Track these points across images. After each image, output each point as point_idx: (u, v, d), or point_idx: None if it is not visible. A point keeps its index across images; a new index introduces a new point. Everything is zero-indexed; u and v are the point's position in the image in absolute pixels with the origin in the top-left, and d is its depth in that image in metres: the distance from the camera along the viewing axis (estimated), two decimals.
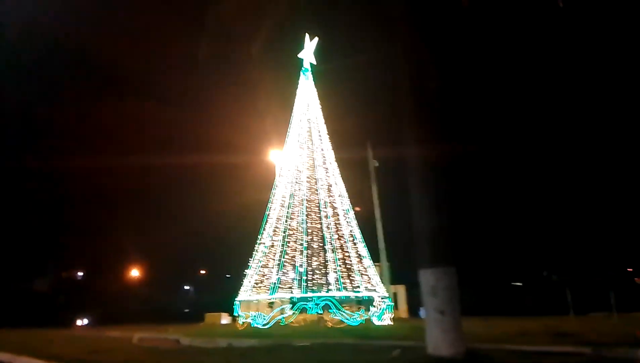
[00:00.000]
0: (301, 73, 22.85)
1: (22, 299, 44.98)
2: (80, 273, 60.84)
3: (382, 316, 19.32)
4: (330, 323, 18.04)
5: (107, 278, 54.22)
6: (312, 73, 22.90)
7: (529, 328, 14.76)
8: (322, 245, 20.30)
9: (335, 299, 19.00)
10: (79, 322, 38.62)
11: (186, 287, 65.64)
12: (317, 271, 19.85)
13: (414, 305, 32.03)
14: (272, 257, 20.37)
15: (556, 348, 9.34)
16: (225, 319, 27.64)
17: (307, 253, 19.91)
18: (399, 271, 30.91)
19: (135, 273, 57.32)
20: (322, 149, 21.65)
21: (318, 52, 22.74)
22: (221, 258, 52.35)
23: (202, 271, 65.02)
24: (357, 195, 23.25)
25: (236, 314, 19.99)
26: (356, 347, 10.64)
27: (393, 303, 21.21)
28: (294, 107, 22.47)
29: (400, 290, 30.51)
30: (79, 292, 51.65)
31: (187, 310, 52.77)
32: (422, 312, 24.86)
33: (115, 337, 16.97)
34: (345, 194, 21.21)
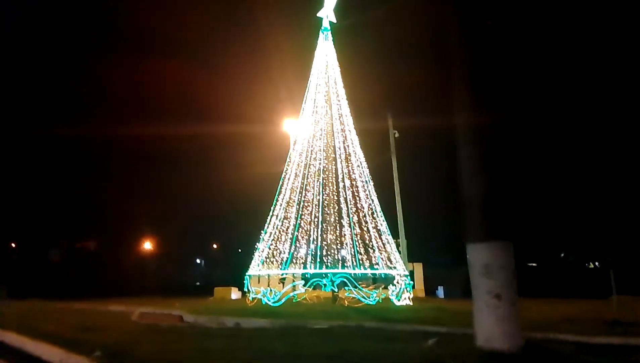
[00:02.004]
0: (320, 33, 21.10)
1: (36, 269, 44.85)
2: (93, 245, 60.78)
3: (401, 296, 18.01)
4: (346, 302, 16.76)
5: (120, 250, 53.95)
6: (331, 33, 21.14)
7: (568, 313, 13.32)
8: (338, 218, 18.92)
9: (352, 276, 17.70)
10: None
11: (198, 260, 65.27)
12: (333, 246, 18.51)
13: (429, 283, 30.85)
14: (285, 231, 19.06)
15: (618, 340, 7.89)
16: (235, 294, 26.57)
17: (323, 227, 18.56)
18: (416, 249, 29.70)
19: (147, 245, 56.98)
20: (340, 115, 20.06)
21: (338, 9, 20.94)
22: (234, 232, 51.45)
23: (215, 245, 64.57)
24: (376, 168, 21.68)
25: (246, 290, 18.81)
26: (381, 332, 9.28)
27: (413, 282, 19.85)
28: (312, 70, 20.80)
29: (417, 267, 29.19)
30: (90, 263, 51.48)
31: (198, 284, 52.39)
32: (440, 291, 23.51)
33: (116, 312, 15.92)
34: (365, 164, 19.67)
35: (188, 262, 62.29)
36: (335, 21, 21.21)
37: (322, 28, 21.17)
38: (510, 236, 6.26)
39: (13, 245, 55.20)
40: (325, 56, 20.85)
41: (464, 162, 6.56)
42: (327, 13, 21.03)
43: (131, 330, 9.93)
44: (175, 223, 53.23)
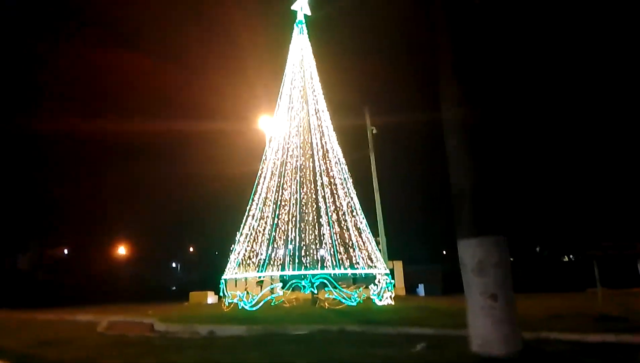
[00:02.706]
0: (295, 27, 20.44)
1: (3, 276, 43.00)
2: (65, 251, 58.87)
3: (383, 295, 17.54)
4: (326, 304, 16.18)
5: (93, 255, 52.33)
6: (306, 26, 20.49)
7: (552, 308, 13.02)
8: (317, 217, 18.31)
9: (332, 277, 17.14)
10: None
11: (173, 264, 63.87)
12: (312, 246, 17.91)
13: (409, 281, 30.56)
14: (262, 231, 18.36)
15: (612, 338, 7.52)
16: (211, 298, 25.73)
17: (301, 227, 17.94)
18: (394, 246, 29.33)
19: (122, 250, 55.48)
20: (317, 111, 19.45)
21: (312, 1, 20.31)
22: (210, 234, 50.38)
23: (191, 248, 63.31)
24: (354, 165, 21.16)
25: (222, 294, 18.04)
26: (364, 337, 8.73)
27: (394, 281, 19.40)
28: (287, 65, 20.12)
29: (397, 265, 28.80)
30: (61, 270, 49.76)
31: (174, 288, 51.24)
32: (421, 289, 23.13)
33: (83, 322, 14.99)
34: (343, 161, 19.11)
35: (163, 266, 60.88)
36: (309, 14, 20.61)
37: (297, 21, 20.52)
38: (503, 230, 5.78)
39: None
40: (300, 50, 20.21)
41: (452, 152, 6.06)
42: (302, 5, 20.41)
43: (95, 343, 9.16)
44: (149, 226, 51.83)
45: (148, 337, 9.92)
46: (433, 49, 6.81)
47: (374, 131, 25.18)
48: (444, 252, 58.38)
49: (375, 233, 22.95)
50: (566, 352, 6.32)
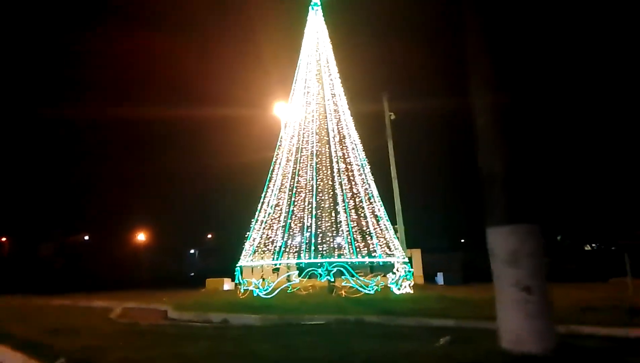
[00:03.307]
0: (310, 9, 19.87)
1: (26, 264, 43.78)
2: (86, 237, 59.69)
3: (401, 284, 17.12)
4: (343, 293, 15.84)
5: (113, 242, 53.01)
6: (322, 9, 19.88)
7: (581, 299, 12.42)
8: (333, 204, 17.91)
9: (349, 265, 16.76)
10: None
11: (192, 251, 64.30)
12: (328, 234, 17.54)
13: (428, 269, 30.05)
14: (277, 218, 18.04)
15: None
16: (227, 285, 25.65)
17: (317, 214, 17.56)
18: (412, 234, 28.80)
19: (141, 237, 56.01)
20: (333, 96, 18.93)
21: None
22: (228, 222, 50.55)
23: (209, 235, 63.62)
24: (371, 152, 20.61)
25: (237, 281, 17.83)
26: (384, 329, 8.33)
27: (412, 270, 18.94)
28: (302, 48, 19.60)
29: (416, 254, 28.32)
30: (82, 256, 50.51)
31: (192, 274, 51.65)
32: (440, 278, 22.60)
33: (98, 308, 14.91)
34: (360, 147, 18.59)
35: (182, 253, 61.39)
36: None
37: (312, 3, 19.94)
38: (538, 218, 5.28)
39: (3, 239, 53.99)
40: (316, 33, 19.65)
41: (482, 131, 5.55)
42: None
43: (106, 331, 8.93)
44: (169, 213, 52.28)
45: (160, 326, 9.67)
46: (460, 25, 6.29)
47: (392, 117, 24.55)
48: (462, 241, 57.60)
49: (393, 221, 22.43)
50: (604, 349, 5.83)
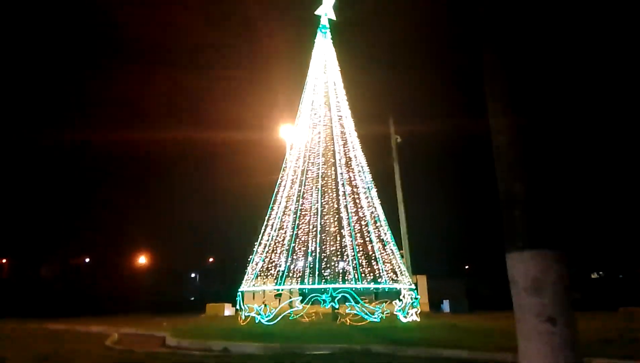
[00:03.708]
0: (318, 32, 19.84)
1: (27, 286, 43.22)
2: (87, 260, 59.15)
3: (408, 312, 16.57)
4: (348, 320, 15.30)
5: (114, 265, 52.45)
6: (330, 32, 19.87)
7: (594, 329, 11.89)
8: (338, 228, 17.50)
9: (353, 291, 16.24)
10: None
11: (192, 275, 63.51)
12: (333, 258, 17.09)
13: (433, 297, 29.41)
14: (281, 242, 17.62)
15: None
16: (228, 310, 25.10)
17: (321, 238, 17.15)
18: (417, 260, 28.25)
19: (142, 260, 55.48)
20: (340, 118, 18.72)
21: (337, 7, 19.70)
22: (230, 246, 50.10)
23: (211, 259, 62.94)
24: (377, 176, 20.29)
25: (238, 307, 17.30)
26: (393, 360, 7.85)
27: (420, 297, 18.40)
28: (309, 70, 19.50)
29: (421, 280, 27.82)
30: (82, 279, 49.93)
31: (192, 299, 50.94)
32: (446, 305, 21.97)
33: (93, 334, 14.42)
34: (367, 169, 18.28)
35: (183, 276, 60.63)
36: (334, 18, 20.01)
37: (320, 26, 19.94)
38: (564, 242, 4.88)
39: (4, 261, 53.55)
40: (324, 56, 19.59)
41: (501, 150, 5.19)
42: (326, 10, 19.83)
43: (98, 359, 8.47)
44: (171, 236, 51.85)
45: (156, 354, 9.20)
46: (475, 41, 6.00)
47: (398, 140, 24.33)
48: (466, 267, 56.73)
49: (398, 246, 21.97)
50: None
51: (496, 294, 39.36)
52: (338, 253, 17.30)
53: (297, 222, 17.56)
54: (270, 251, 17.50)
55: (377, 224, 17.64)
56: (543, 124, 5.55)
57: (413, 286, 17.62)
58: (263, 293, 17.50)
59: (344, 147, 18.36)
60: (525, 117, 5.15)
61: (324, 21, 19.91)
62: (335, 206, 17.59)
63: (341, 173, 17.87)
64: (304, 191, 17.95)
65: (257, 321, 15.63)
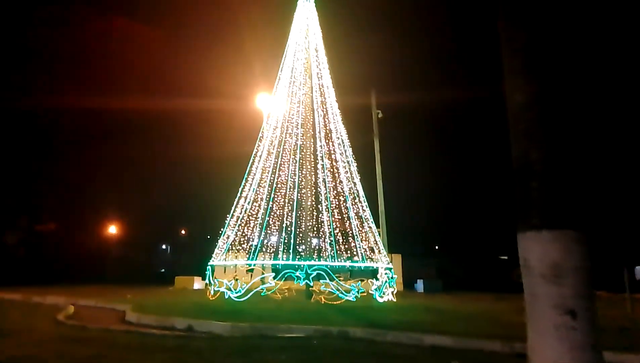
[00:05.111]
0: None
1: None
2: (54, 227, 57.24)
3: (384, 292, 16.04)
4: (322, 299, 14.65)
5: (83, 234, 50.82)
6: None
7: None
8: (315, 203, 16.72)
9: (329, 269, 15.56)
10: None
11: (163, 246, 62.31)
12: (309, 234, 16.35)
13: (407, 276, 29.12)
14: (255, 215, 16.76)
15: None
16: (198, 284, 24.26)
17: (298, 212, 16.37)
18: (392, 238, 27.79)
19: (112, 230, 53.95)
20: (320, 86, 17.75)
21: None
22: (202, 217, 48.93)
23: (183, 231, 61.76)
24: (356, 150, 19.47)
25: (208, 281, 16.48)
26: (374, 347, 7.17)
27: (397, 276, 17.88)
28: (290, 35, 18.35)
29: (396, 259, 27.32)
30: (48, 247, 48.31)
31: (162, 271, 49.99)
32: (420, 285, 21.50)
33: (48, 305, 13.42)
34: (348, 142, 17.45)
35: (154, 248, 59.38)
36: None
37: None
38: (587, 222, 4.15)
39: None
40: (306, 19, 18.46)
41: (518, 110, 4.40)
42: None
43: (45, 336, 7.56)
44: (143, 206, 50.31)
45: (110, 332, 8.32)
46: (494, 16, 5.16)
47: (380, 115, 23.52)
48: (436, 247, 56.95)
49: (375, 223, 21.39)
50: None
51: (468, 275, 39.54)
52: (314, 228, 16.57)
53: (272, 195, 16.70)
54: (243, 225, 16.63)
55: (355, 201, 16.92)
56: (568, 82, 4.76)
57: (390, 266, 17.08)
58: (234, 268, 16.68)
59: (324, 118, 17.46)
60: (548, 73, 4.36)
61: None
62: (313, 179, 16.77)
63: (320, 146, 17.01)
64: (280, 163, 17.05)
65: (226, 297, 14.86)
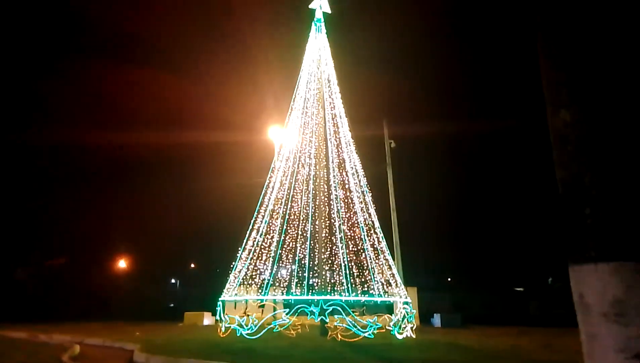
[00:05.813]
0: (312, 25, 18.66)
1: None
2: (64, 262, 57.11)
3: (403, 327, 15.33)
4: (338, 335, 13.98)
5: (92, 268, 50.54)
6: (325, 27, 18.70)
7: None
8: (329, 234, 16.23)
9: (344, 303, 14.93)
10: None
11: (172, 280, 61.71)
12: (323, 267, 15.80)
13: (422, 310, 28.23)
14: (267, 247, 16.29)
15: None
16: (207, 319, 23.61)
17: (311, 244, 15.87)
18: (407, 270, 27.10)
19: (122, 264, 53.72)
20: (333, 116, 17.51)
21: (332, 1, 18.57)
22: (212, 251, 48.47)
23: (192, 265, 61.26)
24: (369, 180, 19.09)
25: (218, 318, 15.88)
26: None
27: (415, 310, 17.15)
28: (302, 65, 18.26)
29: (412, 292, 26.49)
30: (58, 282, 48.01)
31: (171, 305, 49.27)
32: (437, 319, 20.67)
33: (53, 344, 12.92)
34: (362, 172, 17.05)
35: (162, 282, 58.80)
36: (329, 11, 18.86)
37: (315, 19, 18.78)
38: None
39: None
40: (318, 50, 18.40)
41: (565, 128, 3.99)
42: (320, 3, 18.69)
43: None
44: (152, 240, 50.08)
45: None
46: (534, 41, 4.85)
47: (392, 145, 23.21)
48: (449, 279, 55.75)
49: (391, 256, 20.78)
50: None
51: (486, 309, 38.39)
52: (328, 261, 16.03)
53: (284, 227, 16.25)
54: (255, 258, 16.14)
55: (371, 232, 16.40)
56: (624, 93, 4.36)
57: (408, 300, 16.39)
58: (245, 303, 16.10)
59: (337, 148, 17.14)
60: (598, 84, 3.96)
61: (318, 14, 18.74)
62: (327, 210, 16.33)
63: (334, 176, 16.63)
64: (293, 195, 16.67)
65: (238, 333, 14.25)
